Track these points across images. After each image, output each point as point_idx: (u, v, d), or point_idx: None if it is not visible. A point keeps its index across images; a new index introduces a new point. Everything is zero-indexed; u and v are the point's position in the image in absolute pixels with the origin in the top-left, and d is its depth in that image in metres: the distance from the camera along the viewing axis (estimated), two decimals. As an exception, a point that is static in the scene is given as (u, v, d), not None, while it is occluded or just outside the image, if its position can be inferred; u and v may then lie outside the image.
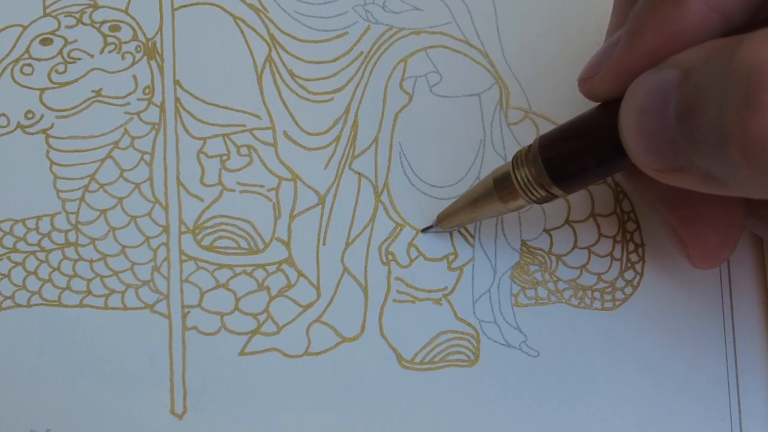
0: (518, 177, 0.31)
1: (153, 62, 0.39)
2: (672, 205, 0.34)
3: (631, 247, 0.40)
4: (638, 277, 0.40)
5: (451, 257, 0.39)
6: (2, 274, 0.37)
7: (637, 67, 0.27)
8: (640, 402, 0.39)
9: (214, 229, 0.38)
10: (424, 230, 0.39)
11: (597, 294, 0.39)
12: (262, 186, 0.39)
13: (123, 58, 0.38)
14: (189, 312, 0.37)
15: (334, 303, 0.38)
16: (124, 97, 0.38)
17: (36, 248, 0.37)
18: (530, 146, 0.31)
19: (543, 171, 0.30)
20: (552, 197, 0.31)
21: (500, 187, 0.33)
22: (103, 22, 0.39)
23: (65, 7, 0.39)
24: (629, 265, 0.40)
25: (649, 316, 0.39)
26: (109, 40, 0.38)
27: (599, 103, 0.30)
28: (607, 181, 0.40)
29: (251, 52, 0.39)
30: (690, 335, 0.40)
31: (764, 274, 0.40)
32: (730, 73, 0.21)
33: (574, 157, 0.30)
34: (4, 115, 0.37)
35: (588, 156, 0.29)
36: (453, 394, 0.38)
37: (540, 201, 0.32)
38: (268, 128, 0.39)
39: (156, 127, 0.38)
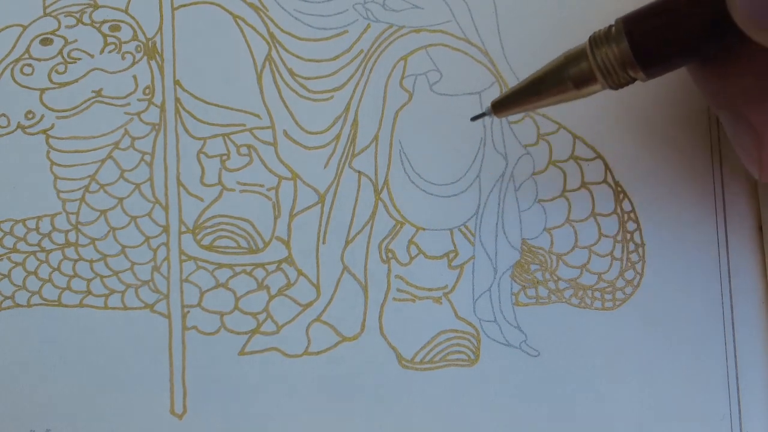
0: (597, 58, 0.29)
1: (153, 62, 0.39)
2: (755, 100, 0.30)
3: (632, 247, 0.40)
4: (638, 277, 0.40)
5: (451, 255, 0.39)
6: (2, 275, 0.37)
7: None
8: (640, 402, 0.39)
9: (214, 228, 0.38)
10: (474, 118, 0.35)
11: (597, 294, 0.39)
12: (261, 185, 0.39)
13: (123, 58, 0.38)
14: (189, 312, 0.37)
15: (334, 302, 0.38)
16: (125, 97, 0.38)
17: (36, 248, 0.37)
18: (611, 26, 0.29)
19: (627, 49, 0.28)
20: (630, 81, 0.29)
21: (574, 70, 0.30)
22: (103, 22, 0.39)
23: (65, 6, 0.39)
24: (629, 265, 0.40)
25: (649, 316, 0.39)
26: (109, 40, 0.38)
27: None
28: (607, 180, 0.40)
29: (251, 51, 0.39)
30: (690, 335, 0.39)
31: (764, 274, 0.40)
32: None
33: (664, 30, 0.28)
34: (4, 115, 0.38)
35: (680, 28, 0.27)
36: (453, 394, 0.38)
37: (617, 86, 0.30)
38: (267, 127, 0.39)
39: (156, 127, 0.38)
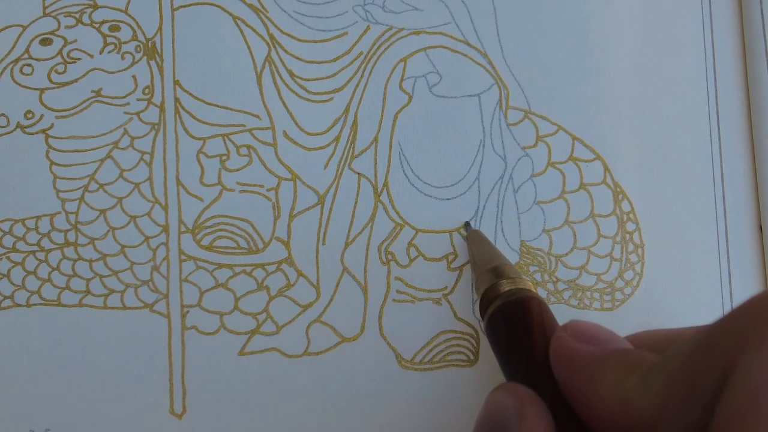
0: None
1: (153, 62, 0.39)
2: None
3: (631, 247, 0.40)
4: (638, 277, 0.40)
5: (450, 257, 0.39)
6: (2, 274, 0.37)
7: None
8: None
9: (214, 228, 0.38)
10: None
11: (596, 294, 0.39)
12: (261, 186, 0.39)
13: (123, 58, 0.38)
14: (188, 312, 0.37)
15: (334, 303, 0.38)
16: (124, 97, 0.38)
17: (35, 248, 0.37)
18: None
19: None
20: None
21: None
22: (102, 22, 0.39)
23: (65, 7, 0.38)
24: (629, 265, 0.40)
25: (648, 317, 0.39)
26: (109, 40, 0.38)
27: None
28: (606, 181, 0.40)
29: (251, 52, 0.39)
30: (689, 335, 0.40)
31: (764, 274, 0.40)
32: None
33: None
34: (3, 115, 0.37)
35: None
36: (453, 394, 0.38)
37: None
38: (267, 128, 0.39)
39: (156, 127, 0.38)
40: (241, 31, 0.39)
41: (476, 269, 0.36)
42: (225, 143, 0.39)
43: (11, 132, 0.37)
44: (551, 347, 0.28)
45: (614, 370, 0.25)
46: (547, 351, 0.29)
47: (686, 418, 0.21)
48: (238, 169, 0.38)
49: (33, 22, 0.38)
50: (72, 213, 0.37)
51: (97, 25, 0.39)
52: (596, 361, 0.26)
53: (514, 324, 0.31)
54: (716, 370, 0.20)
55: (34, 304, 0.37)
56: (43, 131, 0.38)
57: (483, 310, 0.33)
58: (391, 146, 0.40)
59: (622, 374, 0.25)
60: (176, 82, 0.39)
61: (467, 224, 0.39)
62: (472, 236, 0.38)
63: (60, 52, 0.38)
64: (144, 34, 0.39)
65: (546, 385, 0.28)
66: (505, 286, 0.32)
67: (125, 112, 0.38)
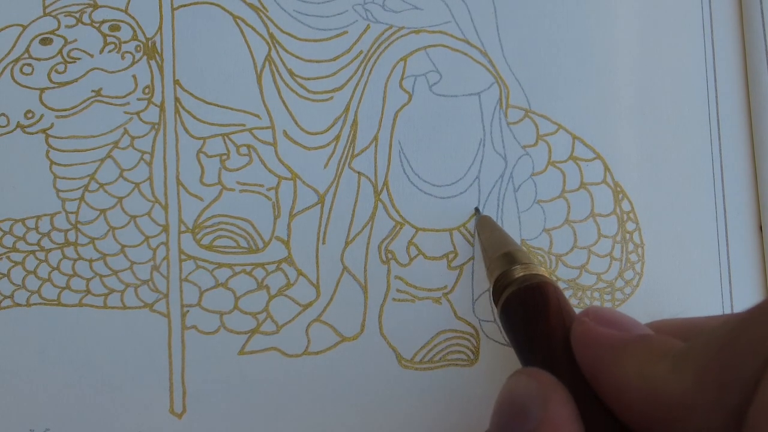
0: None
1: (153, 62, 0.39)
2: None
3: (631, 247, 0.40)
4: (638, 277, 0.40)
5: (450, 256, 0.39)
6: (2, 274, 0.37)
7: None
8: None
9: (214, 228, 0.38)
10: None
11: (596, 294, 0.39)
12: (261, 185, 0.39)
13: (123, 57, 0.38)
14: (188, 311, 0.37)
15: (334, 302, 0.38)
16: (124, 96, 0.38)
17: (35, 248, 0.37)
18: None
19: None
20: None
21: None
22: (102, 22, 0.39)
23: (65, 6, 0.39)
24: (629, 265, 0.40)
25: (648, 317, 0.39)
26: (109, 39, 0.38)
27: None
28: (606, 180, 0.40)
29: (251, 52, 0.39)
30: (689, 335, 0.40)
31: (764, 274, 0.40)
32: None
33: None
34: (4, 114, 0.37)
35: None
36: (453, 394, 0.38)
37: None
38: (267, 128, 0.39)
39: (156, 126, 0.38)
40: (241, 31, 0.39)
41: (487, 255, 0.36)
42: (225, 143, 0.39)
43: (11, 132, 0.38)
44: (573, 332, 0.28)
45: (640, 355, 0.25)
46: (565, 336, 0.28)
47: (724, 405, 0.21)
48: (238, 169, 0.38)
49: (33, 21, 0.38)
50: (72, 213, 0.37)
51: (97, 25, 0.39)
52: (621, 346, 0.26)
53: (530, 309, 0.30)
54: (757, 355, 0.21)
55: (34, 304, 0.37)
56: (43, 131, 0.38)
57: (496, 297, 0.33)
58: (391, 145, 0.40)
59: (649, 360, 0.24)
60: (176, 82, 0.39)
61: (477, 210, 0.39)
62: (482, 222, 0.38)
63: (60, 52, 0.38)
64: (144, 33, 0.39)
65: (565, 370, 0.28)
66: (519, 272, 0.32)
67: (125, 112, 0.38)
